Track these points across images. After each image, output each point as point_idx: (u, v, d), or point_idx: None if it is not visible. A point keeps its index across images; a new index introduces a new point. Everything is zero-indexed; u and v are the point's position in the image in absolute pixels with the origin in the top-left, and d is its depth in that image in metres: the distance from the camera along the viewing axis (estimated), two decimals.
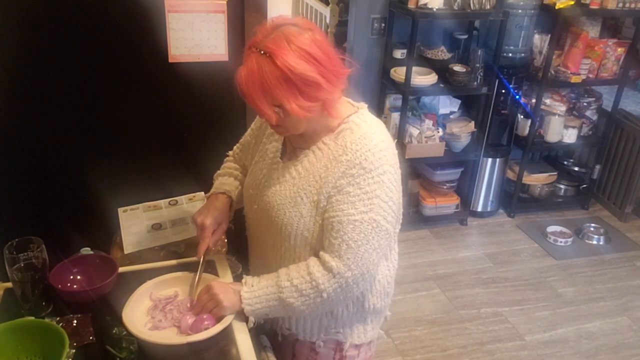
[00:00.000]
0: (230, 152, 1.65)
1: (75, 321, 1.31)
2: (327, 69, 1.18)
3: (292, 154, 1.37)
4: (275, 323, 1.49)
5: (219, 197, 1.52)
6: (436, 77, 3.32)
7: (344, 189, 1.25)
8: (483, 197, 3.83)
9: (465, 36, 3.54)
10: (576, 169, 4.15)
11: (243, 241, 1.58)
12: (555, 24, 3.36)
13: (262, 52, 1.15)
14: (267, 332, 1.52)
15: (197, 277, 1.44)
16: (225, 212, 1.50)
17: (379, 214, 1.25)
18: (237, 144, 1.63)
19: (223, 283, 1.40)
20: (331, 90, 1.21)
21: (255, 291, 1.32)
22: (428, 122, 3.43)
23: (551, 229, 3.76)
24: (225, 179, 1.58)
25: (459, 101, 3.65)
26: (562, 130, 3.74)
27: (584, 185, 4.09)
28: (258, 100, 1.18)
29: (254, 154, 1.48)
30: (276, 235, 1.36)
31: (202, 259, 1.46)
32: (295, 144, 1.38)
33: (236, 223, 1.56)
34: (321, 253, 1.29)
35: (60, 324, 1.27)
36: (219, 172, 1.62)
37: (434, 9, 3.09)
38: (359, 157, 1.24)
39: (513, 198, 3.90)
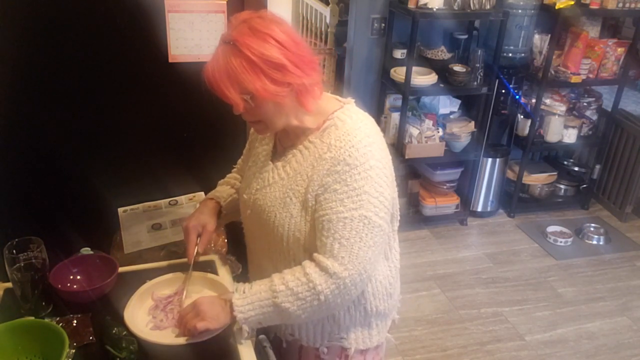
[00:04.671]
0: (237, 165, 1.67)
1: (75, 321, 1.31)
2: (292, 52, 1.17)
3: (282, 155, 1.35)
4: (279, 329, 1.46)
5: (207, 202, 1.55)
6: (436, 77, 3.32)
7: (330, 187, 1.22)
8: (483, 197, 3.83)
9: (465, 36, 3.54)
10: (576, 169, 4.15)
11: (243, 243, 1.58)
12: (555, 24, 3.36)
13: (225, 41, 1.17)
14: (271, 340, 1.49)
15: (184, 284, 1.43)
16: (210, 215, 1.50)
17: (370, 210, 1.21)
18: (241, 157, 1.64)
19: (210, 297, 1.33)
20: (299, 75, 1.19)
21: (247, 297, 1.25)
22: (428, 122, 3.43)
23: (551, 229, 3.76)
24: (221, 187, 1.60)
25: (459, 101, 3.65)
26: (562, 130, 3.74)
27: (584, 185, 4.09)
28: (225, 88, 1.17)
29: (248, 160, 1.49)
30: (270, 239, 1.34)
31: (190, 265, 1.44)
32: (283, 144, 1.36)
33: (236, 228, 1.56)
34: (315, 255, 1.24)
35: (60, 324, 1.27)
36: (220, 180, 1.64)
37: (434, 9, 3.09)
38: (342, 154, 1.22)
39: (513, 198, 3.90)
